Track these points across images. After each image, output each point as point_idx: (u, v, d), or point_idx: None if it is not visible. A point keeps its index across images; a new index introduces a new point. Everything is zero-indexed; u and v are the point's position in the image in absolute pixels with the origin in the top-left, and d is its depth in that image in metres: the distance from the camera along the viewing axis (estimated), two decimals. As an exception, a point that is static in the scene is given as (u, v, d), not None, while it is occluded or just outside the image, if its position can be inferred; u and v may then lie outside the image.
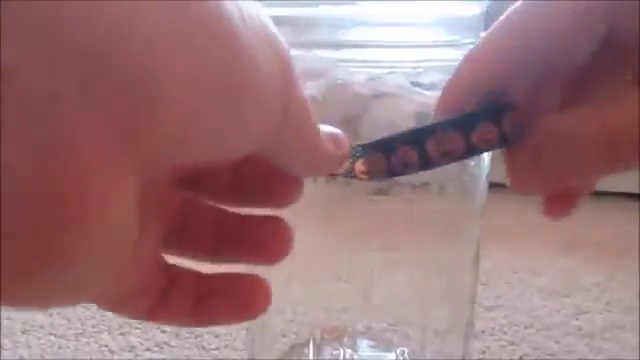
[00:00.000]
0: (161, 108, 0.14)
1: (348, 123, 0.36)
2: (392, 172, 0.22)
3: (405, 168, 0.22)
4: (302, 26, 0.33)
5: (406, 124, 0.36)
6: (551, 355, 0.51)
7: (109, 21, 0.13)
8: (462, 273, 0.41)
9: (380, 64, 0.34)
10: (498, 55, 0.24)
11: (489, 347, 0.52)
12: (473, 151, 0.23)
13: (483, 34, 0.25)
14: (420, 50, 0.33)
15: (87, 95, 0.13)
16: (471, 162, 0.36)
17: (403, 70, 0.34)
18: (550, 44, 0.23)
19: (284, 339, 0.44)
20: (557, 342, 0.53)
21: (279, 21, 0.34)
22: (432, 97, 0.35)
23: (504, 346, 0.52)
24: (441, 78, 0.34)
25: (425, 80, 0.34)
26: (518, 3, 0.23)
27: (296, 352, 0.44)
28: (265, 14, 0.18)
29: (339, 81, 0.35)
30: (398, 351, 0.43)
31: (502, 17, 0.24)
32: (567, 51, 0.23)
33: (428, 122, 0.23)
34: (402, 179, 0.36)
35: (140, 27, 0.14)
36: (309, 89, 0.35)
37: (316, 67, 0.34)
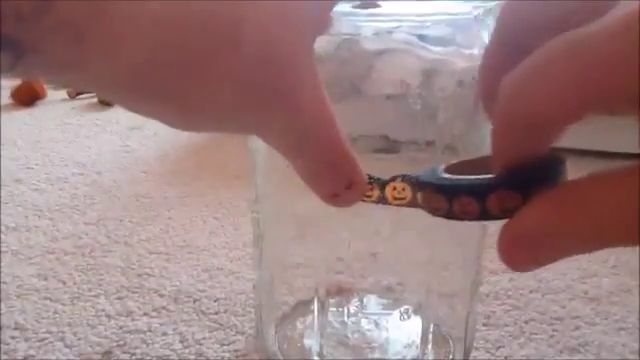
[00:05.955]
0: None
1: (353, 81, 0.34)
2: (452, 216, 0.22)
3: (464, 215, 0.22)
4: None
5: (412, 81, 0.34)
6: (557, 319, 0.50)
7: None
8: (468, 235, 0.40)
9: (387, 17, 0.32)
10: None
11: (494, 311, 0.51)
12: None
13: None
14: (428, 3, 0.31)
15: None
16: (480, 122, 0.34)
17: (410, 24, 0.32)
18: None
19: (290, 297, 0.44)
20: (563, 306, 0.52)
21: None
22: (439, 52, 0.34)
23: (509, 310, 0.51)
24: (449, 32, 0.33)
25: (433, 34, 0.32)
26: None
27: (300, 309, 0.44)
28: None
29: (345, 37, 0.34)
30: (402, 309, 0.42)
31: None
32: None
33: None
34: (405, 137, 0.35)
35: None
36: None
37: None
